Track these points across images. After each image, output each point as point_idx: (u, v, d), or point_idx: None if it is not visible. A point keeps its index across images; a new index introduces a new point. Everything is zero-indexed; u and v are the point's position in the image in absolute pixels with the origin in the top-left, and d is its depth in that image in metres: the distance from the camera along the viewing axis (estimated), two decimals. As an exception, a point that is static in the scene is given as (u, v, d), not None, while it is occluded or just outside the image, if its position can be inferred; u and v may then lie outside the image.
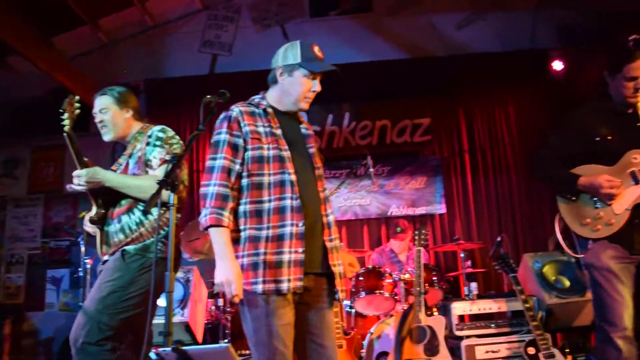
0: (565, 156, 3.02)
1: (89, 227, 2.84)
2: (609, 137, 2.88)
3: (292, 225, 2.21)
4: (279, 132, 2.32)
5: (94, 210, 2.80)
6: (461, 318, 4.23)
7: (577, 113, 3.05)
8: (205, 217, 2.18)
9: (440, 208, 6.09)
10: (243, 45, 6.82)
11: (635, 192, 2.78)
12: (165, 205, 2.28)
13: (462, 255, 4.67)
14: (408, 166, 6.20)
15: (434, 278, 4.67)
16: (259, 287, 2.15)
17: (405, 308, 4.11)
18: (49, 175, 6.54)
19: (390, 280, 4.65)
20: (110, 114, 2.88)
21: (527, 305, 3.66)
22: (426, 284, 4.60)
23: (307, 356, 2.29)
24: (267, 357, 2.14)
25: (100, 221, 2.80)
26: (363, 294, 4.63)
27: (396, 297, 4.61)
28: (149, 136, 2.82)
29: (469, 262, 5.10)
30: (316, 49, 2.44)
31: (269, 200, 2.24)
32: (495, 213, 6.09)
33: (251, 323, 2.19)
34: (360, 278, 4.73)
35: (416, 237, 4.20)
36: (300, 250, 2.20)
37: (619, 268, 2.79)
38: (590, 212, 2.86)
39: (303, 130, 2.46)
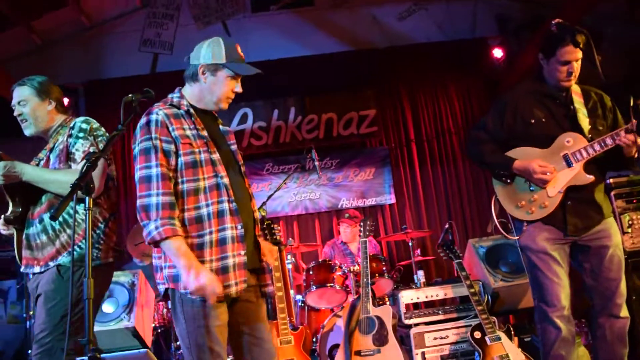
0: (501, 139, 3.07)
1: (3, 229, 2.64)
2: (543, 120, 2.94)
3: (231, 228, 2.21)
4: (204, 133, 2.28)
5: (10, 209, 2.58)
6: (416, 306, 4.29)
7: (512, 96, 3.09)
8: (157, 229, 2.07)
9: (390, 198, 6.13)
10: (184, 44, 6.67)
11: (568, 175, 2.86)
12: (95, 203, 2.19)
13: (410, 244, 4.71)
14: (356, 158, 6.22)
15: (384, 268, 4.71)
16: None
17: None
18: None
19: (340, 273, 4.67)
20: (30, 106, 2.67)
21: (472, 290, 3.72)
22: (376, 275, 4.65)
23: (245, 351, 2.29)
24: (202, 359, 2.12)
25: (17, 221, 2.59)
26: (314, 287, 4.64)
27: (347, 289, 4.63)
28: (72, 128, 2.64)
29: (418, 251, 5.16)
30: (239, 49, 2.41)
31: (207, 205, 2.20)
32: (444, 201, 6.18)
33: (185, 324, 2.15)
34: (311, 272, 4.73)
35: (362, 229, 4.21)
36: (242, 252, 2.21)
37: (554, 249, 2.86)
38: (525, 194, 2.93)
39: (222, 128, 2.44)
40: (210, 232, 2.18)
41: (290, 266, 4.72)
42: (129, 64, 6.59)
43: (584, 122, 2.92)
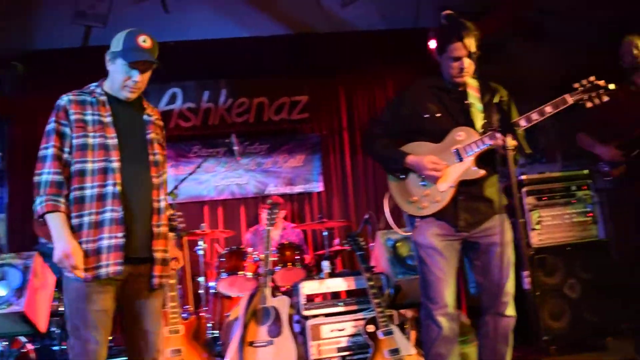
0: (395, 133, 3.04)
1: None
2: (438, 115, 2.91)
3: (112, 211, 2.29)
4: (107, 120, 2.40)
5: None
6: (335, 295, 4.24)
7: (408, 91, 3.06)
8: (40, 204, 2.25)
9: (318, 186, 6.08)
10: (119, 17, 6.41)
11: (459, 170, 2.83)
12: None
13: (324, 233, 4.66)
14: (287, 144, 6.14)
15: (296, 257, 4.67)
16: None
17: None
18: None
19: (252, 260, 4.61)
20: None
21: (370, 283, 3.70)
22: (289, 264, 4.61)
23: (133, 342, 2.40)
24: (79, 343, 2.23)
25: None
26: (225, 275, 4.58)
27: (259, 277, 4.57)
28: None
29: (337, 240, 5.13)
30: (141, 39, 2.48)
31: (92, 187, 2.31)
32: (373, 191, 6.14)
33: (67, 308, 2.29)
34: (222, 259, 4.67)
35: (267, 217, 4.15)
36: (119, 235, 2.29)
37: (442, 245, 2.84)
38: (418, 190, 2.90)
39: (145, 117, 2.54)
40: (90, 214, 2.28)
41: (201, 252, 4.63)
42: (60, 36, 6.34)
43: (478, 116, 2.89)
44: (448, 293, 2.82)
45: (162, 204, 2.45)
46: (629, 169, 3.76)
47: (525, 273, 2.06)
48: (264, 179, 6.10)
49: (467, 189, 2.82)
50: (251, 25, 6.50)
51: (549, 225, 4.41)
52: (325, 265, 4.04)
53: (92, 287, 2.24)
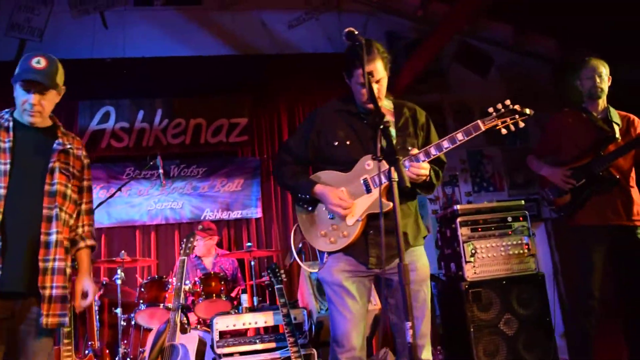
0: (305, 160, 2.82)
1: None
2: (347, 142, 2.69)
3: None
4: (5, 145, 2.36)
5: None
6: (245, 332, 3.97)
7: (318, 115, 2.84)
8: None
9: (257, 212, 5.82)
10: (56, 32, 6.19)
11: (367, 202, 2.61)
12: None
13: (252, 263, 4.40)
14: (225, 168, 5.87)
15: (222, 288, 4.39)
16: None
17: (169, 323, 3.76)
18: None
19: (172, 291, 4.31)
20: None
21: (286, 320, 3.46)
22: (213, 295, 4.33)
23: None
24: None
25: None
26: (143, 306, 4.28)
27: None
28: None
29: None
30: (34, 60, 2.43)
31: None
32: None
33: None
34: (142, 289, 4.37)
35: (182, 246, 3.88)
36: None
37: (351, 282, 2.61)
38: (326, 223, 2.67)
39: (54, 146, 2.46)
40: None
41: (119, 281, 4.32)
42: (-8, 48, 6.04)
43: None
44: (355, 335, 2.57)
45: (53, 238, 2.31)
46: (573, 198, 3.61)
47: (408, 324, 1.81)
48: (200, 203, 5.82)
49: (376, 222, 2.57)
50: (194, 44, 6.31)
51: (484, 258, 4.25)
52: (244, 298, 3.78)
53: None
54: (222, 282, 4.42)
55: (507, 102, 2.62)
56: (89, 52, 6.02)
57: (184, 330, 3.54)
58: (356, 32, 2.38)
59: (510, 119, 2.58)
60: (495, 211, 4.37)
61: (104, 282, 4.57)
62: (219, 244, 5.60)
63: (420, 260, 2.66)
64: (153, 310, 4.30)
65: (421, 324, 2.60)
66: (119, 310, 4.28)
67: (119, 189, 4.51)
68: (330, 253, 2.66)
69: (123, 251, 4.42)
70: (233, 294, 4.66)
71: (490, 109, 2.62)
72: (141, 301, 4.31)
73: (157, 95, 5.92)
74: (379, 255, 2.56)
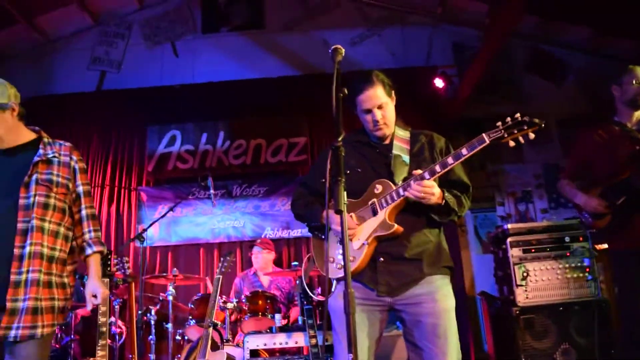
0: (319, 194, 2.77)
1: None
2: (359, 170, 2.62)
3: None
4: None
5: None
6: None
7: (326, 148, 2.81)
8: None
9: (315, 231, 5.80)
10: (132, 62, 6.69)
11: (372, 225, 2.48)
12: None
13: (297, 282, 4.39)
14: (285, 187, 5.95)
15: (267, 307, 4.42)
16: None
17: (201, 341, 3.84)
18: None
19: (219, 309, 4.41)
20: None
21: (313, 342, 3.40)
22: (260, 313, 4.37)
23: None
24: None
25: None
26: (192, 322, 4.42)
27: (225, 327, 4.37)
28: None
29: (318, 290, 4.82)
30: None
31: None
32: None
33: None
34: (191, 305, 4.51)
35: (220, 264, 3.96)
36: None
37: (358, 311, 2.42)
38: (334, 249, 2.58)
39: (35, 158, 2.49)
40: None
41: (170, 298, 4.49)
42: (76, 80, 6.62)
43: (400, 169, 2.56)
44: None
45: (27, 250, 2.32)
46: (613, 219, 3.23)
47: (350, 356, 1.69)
48: (261, 222, 5.93)
49: (388, 248, 2.44)
50: (260, 67, 6.51)
51: (538, 281, 3.92)
52: (277, 318, 3.76)
53: None
54: (269, 301, 4.44)
55: (517, 115, 2.41)
56: (159, 80, 6.41)
57: (215, 347, 3.59)
58: (339, 51, 2.31)
59: (519, 131, 2.36)
60: (551, 230, 4.02)
61: (160, 298, 4.76)
62: (279, 263, 5.66)
63: (441, 291, 2.44)
64: (201, 327, 4.41)
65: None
66: (169, 326, 4.44)
67: (171, 209, 4.71)
68: (338, 280, 2.57)
69: (175, 268, 4.60)
70: (291, 313, 4.68)
71: (499, 123, 2.43)
72: (190, 317, 4.44)
73: (219, 118, 6.16)
74: (390, 283, 2.42)
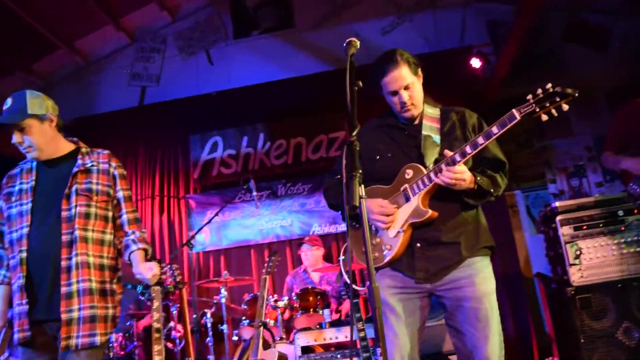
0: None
1: None
2: (389, 155, 2.59)
3: (18, 278, 2.38)
4: (27, 186, 2.50)
5: None
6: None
7: (359, 134, 2.78)
8: None
9: (362, 224, 5.79)
10: (170, 74, 6.85)
11: (407, 211, 2.45)
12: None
13: (337, 277, 4.41)
14: (328, 183, 5.96)
15: (318, 303, 4.46)
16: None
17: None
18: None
19: (270, 308, 4.49)
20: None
21: (362, 335, 3.40)
22: (311, 309, 4.41)
23: None
24: None
25: None
26: (245, 322, 4.52)
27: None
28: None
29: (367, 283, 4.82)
30: (4, 104, 2.49)
31: (12, 257, 2.43)
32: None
33: None
34: (244, 306, 4.61)
35: (265, 265, 4.02)
36: (24, 302, 2.35)
37: (397, 300, 2.44)
38: (371, 239, 2.57)
39: (74, 169, 2.53)
40: (13, 283, 2.41)
41: (223, 300, 4.60)
42: (119, 98, 6.85)
43: (431, 150, 2.51)
44: (398, 356, 2.37)
45: (74, 261, 2.37)
46: None
47: (378, 350, 1.69)
48: (308, 219, 5.97)
49: (424, 233, 2.42)
50: (294, 66, 6.54)
51: (592, 259, 3.78)
52: (326, 313, 3.79)
53: (25, 352, 2.33)
54: (319, 297, 4.48)
55: (548, 85, 2.30)
56: (196, 89, 6.54)
57: (266, 346, 3.65)
58: (352, 44, 2.30)
59: (551, 103, 2.26)
60: (602, 205, 3.86)
61: (215, 301, 4.88)
62: (329, 258, 5.69)
63: (481, 274, 2.40)
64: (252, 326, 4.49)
65: (485, 346, 2.32)
66: (224, 327, 4.55)
67: (215, 215, 4.82)
68: (377, 269, 2.56)
69: (226, 272, 4.70)
70: (342, 307, 4.71)
71: (529, 96, 2.33)
72: (243, 317, 4.53)
73: (257, 121, 6.24)
74: (428, 268, 2.39)
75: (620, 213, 3.82)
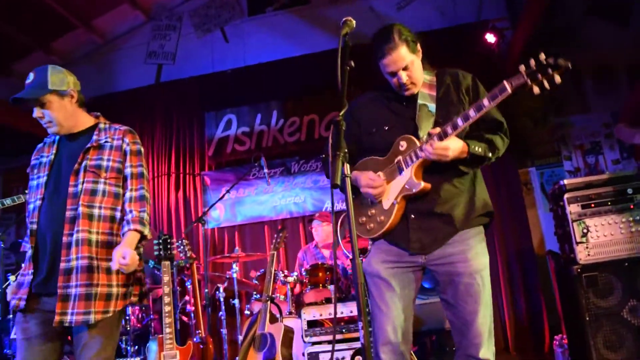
0: (350, 152, 2.79)
1: None
2: (386, 127, 2.59)
3: (28, 249, 2.45)
4: (47, 159, 2.55)
5: None
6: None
7: (356, 105, 2.78)
8: None
9: (374, 200, 5.83)
10: (185, 52, 6.92)
11: (400, 183, 2.44)
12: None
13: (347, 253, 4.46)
14: (340, 160, 5.98)
15: (327, 278, 4.53)
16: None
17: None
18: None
19: (280, 283, 4.58)
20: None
21: (367, 309, 3.45)
22: (320, 285, 4.50)
23: None
24: None
25: None
26: (256, 297, 4.62)
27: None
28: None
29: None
30: (27, 79, 2.50)
31: (29, 225, 2.48)
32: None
33: None
34: (255, 281, 4.72)
35: (273, 241, 4.09)
36: (29, 272, 2.42)
37: (391, 273, 2.47)
38: (365, 209, 2.55)
39: (87, 145, 2.53)
40: (26, 252, 2.49)
41: (235, 275, 4.71)
42: (136, 76, 6.95)
43: (426, 120, 2.48)
44: (390, 329, 2.42)
45: (74, 237, 2.37)
46: None
47: (360, 324, 1.74)
48: (321, 196, 6.03)
49: (417, 205, 2.43)
50: (309, 43, 6.53)
51: (600, 238, 3.75)
52: (332, 288, 3.86)
53: (19, 317, 2.40)
54: (328, 272, 4.55)
55: (542, 56, 2.24)
56: (211, 66, 6.60)
57: (273, 320, 3.75)
58: (347, 23, 2.29)
59: (543, 75, 2.20)
60: (611, 183, 3.80)
61: (227, 277, 5.00)
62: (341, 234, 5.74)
63: (474, 250, 2.40)
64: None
65: (475, 320, 2.35)
66: (236, 302, 4.67)
67: (227, 192, 4.89)
68: (373, 242, 2.59)
69: (237, 247, 4.80)
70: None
71: (521, 67, 2.27)
72: (255, 292, 4.64)
73: (271, 98, 6.27)
74: (422, 240, 2.40)
75: (630, 191, 3.76)
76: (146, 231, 2.50)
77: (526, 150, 6.05)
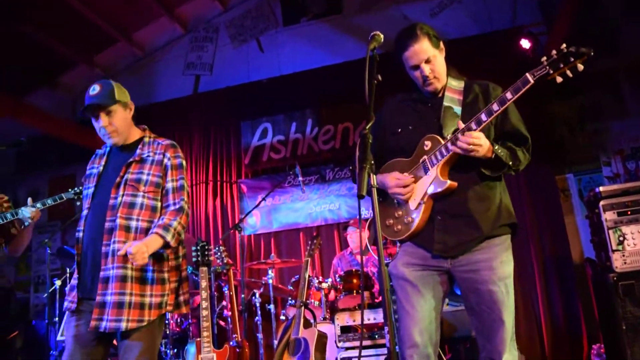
0: (377, 155, 2.83)
1: None
2: (410, 127, 2.60)
3: (76, 255, 2.61)
4: (97, 170, 2.67)
5: None
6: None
7: (381, 110, 2.84)
8: None
9: (408, 207, 5.85)
10: (222, 63, 7.10)
11: (426, 183, 2.44)
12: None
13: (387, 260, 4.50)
14: (375, 167, 6.04)
15: (361, 285, 4.58)
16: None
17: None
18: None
19: (315, 289, 4.66)
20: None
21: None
22: (354, 291, 4.55)
23: None
24: None
25: None
26: (292, 302, 4.70)
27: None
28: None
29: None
30: (90, 90, 2.60)
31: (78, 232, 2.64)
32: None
33: None
34: (291, 287, 4.81)
35: (308, 248, 4.17)
36: (75, 277, 2.58)
37: (415, 276, 2.46)
38: (393, 211, 2.55)
39: (130, 159, 2.61)
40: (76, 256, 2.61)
41: (271, 281, 4.81)
42: (175, 87, 7.17)
43: (451, 121, 2.47)
44: (416, 331, 2.41)
45: (111, 247, 2.45)
46: None
47: (386, 329, 1.79)
48: (355, 203, 6.08)
49: (445, 206, 2.42)
50: (342, 51, 6.60)
51: (637, 246, 3.70)
52: (366, 295, 3.91)
53: (69, 316, 2.55)
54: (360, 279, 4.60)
55: (563, 46, 2.24)
56: (247, 76, 6.75)
57: (307, 325, 3.82)
58: (375, 38, 2.36)
59: (565, 64, 2.19)
60: (648, 190, 3.76)
61: (263, 282, 5.10)
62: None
63: (499, 258, 2.40)
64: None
65: (501, 328, 2.35)
66: (271, 307, 4.77)
67: (263, 199, 5.00)
68: (400, 244, 2.61)
69: (273, 254, 4.90)
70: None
71: (544, 58, 2.28)
72: (290, 298, 4.73)
73: (306, 106, 6.38)
74: (446, 242, 2.40)
75: (668, 198, 3.71)
76: (168, 237, 2.48)
77: (563, 157, 5.98)
